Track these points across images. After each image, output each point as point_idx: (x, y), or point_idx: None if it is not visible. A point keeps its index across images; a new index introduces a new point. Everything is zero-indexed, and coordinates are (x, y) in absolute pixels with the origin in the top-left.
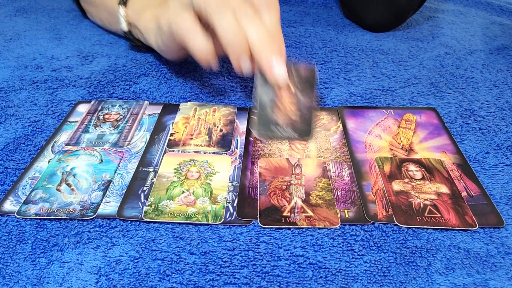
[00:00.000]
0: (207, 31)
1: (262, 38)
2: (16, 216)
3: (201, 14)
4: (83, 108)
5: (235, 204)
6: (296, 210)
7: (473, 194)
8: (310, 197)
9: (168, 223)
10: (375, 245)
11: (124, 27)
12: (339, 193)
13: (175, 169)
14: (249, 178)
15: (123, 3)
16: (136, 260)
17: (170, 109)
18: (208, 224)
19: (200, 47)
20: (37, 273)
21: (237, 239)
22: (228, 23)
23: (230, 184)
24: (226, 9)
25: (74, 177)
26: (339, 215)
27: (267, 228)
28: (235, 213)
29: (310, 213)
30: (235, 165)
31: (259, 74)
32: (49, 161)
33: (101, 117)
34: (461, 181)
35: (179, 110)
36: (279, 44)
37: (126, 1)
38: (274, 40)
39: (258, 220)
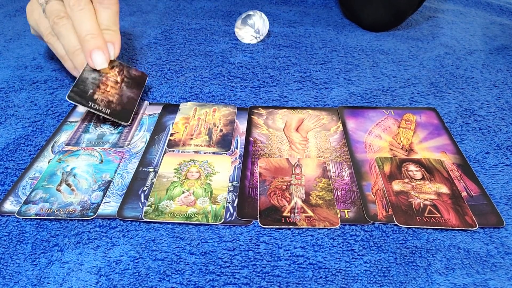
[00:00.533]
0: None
1: (87, 29)
2: (16, 216)
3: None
4: (83, 108)
5: (235, 204)
6: (296, 210)
7: (473, 194)
8: (310, 197)
9: (168, 223)
10: (375, 245)
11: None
12: (339, 193)
13: (175, 169)
14: (249, 178)
15: None
16: (136, 261)
17: (170, 109)
18: (208, 224)
19: (60, 54)
20: (37, 273)
21: (237, 239)
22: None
23: (230, 184)
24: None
25: (74, 177)
26: (339, 215)
27: (267, 228)
28: (235, 213)
29: (310, 213)
30: (235, 165)
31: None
32: (49, 161)
33: (101, 117)
34: (461, 181)
35: (179, 110)
36: (110, 38)
37: None
38: (97, 37)
39: (258, 220)
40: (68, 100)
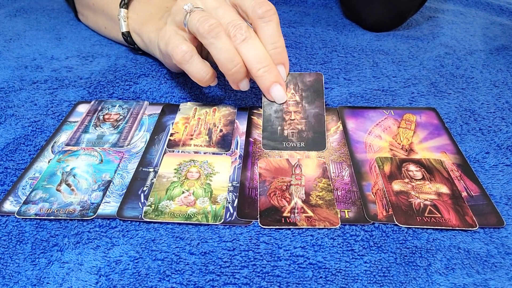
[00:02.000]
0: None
1: (257, 59)
2: (16, 216)
3: (195, 35)
4: (83, 108)
5: (235, 205)
6: (296, 211)
7: (473, 194)
8: (310, 198)
9: (168, 223)
10: (375, 245)
11: (124, 28)
12: (339, 193)
13: (175, 169)
14: (249, 179)
15: (125, 6)
16: (136, 261)
17: (170, 109)
18: (208, 225)
19: (198, 73)
20: (37, 273)
21: (237, 239)
22: (222, 45)
23: (230, 184)
24: (219, 31)
25: (74, 177)
26: (339, 215)
27: (267, 228)
28: (235, 213)
29: (310, 214)
30: (235, 166)
31: None
32: (49, 161)
33: (101, 117)
34: (461, 181)
35: (179, 110)
36: (280, 58)
37: (128, 4)
38: (270, 57)
39: (258, 220)
40: (265, 149)
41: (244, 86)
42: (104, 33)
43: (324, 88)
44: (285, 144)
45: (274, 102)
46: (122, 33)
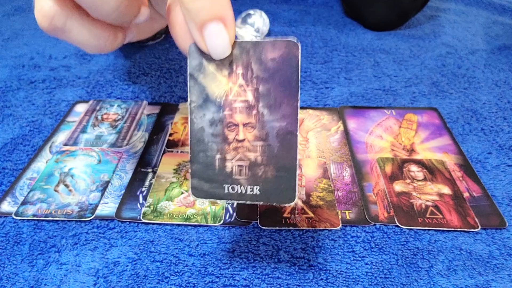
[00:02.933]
0: None
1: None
2: (14, 217)
3: None
4: (81, 108)
5: (234, 205)
6: (296, 211)
7: (475, 195)
8: (311, 198)
9: (167, 224)
10: (376, 246)
11: None
12: (340, 194)
13: (174, 169)
14: None
15: None
16: (135, 262)
17: (169, 109)
18: (208, 225)
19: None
20: (35, 274)
21: (237, 240)
22: None
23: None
24: None
25: (72, 177)
26: (340, 216)
27: (267, 229)
28: (234, 214)
29: (311, 214)
30: None
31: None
32: (47, 162)
33: (99, 117)
34: (463, 181)
35: (178, 110)
36: (217, 9)
37: None
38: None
39: (258, 221)
40: (195, 196)
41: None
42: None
43: (300, 74)
44: (228, 188)
45: (207, 99)
46: None
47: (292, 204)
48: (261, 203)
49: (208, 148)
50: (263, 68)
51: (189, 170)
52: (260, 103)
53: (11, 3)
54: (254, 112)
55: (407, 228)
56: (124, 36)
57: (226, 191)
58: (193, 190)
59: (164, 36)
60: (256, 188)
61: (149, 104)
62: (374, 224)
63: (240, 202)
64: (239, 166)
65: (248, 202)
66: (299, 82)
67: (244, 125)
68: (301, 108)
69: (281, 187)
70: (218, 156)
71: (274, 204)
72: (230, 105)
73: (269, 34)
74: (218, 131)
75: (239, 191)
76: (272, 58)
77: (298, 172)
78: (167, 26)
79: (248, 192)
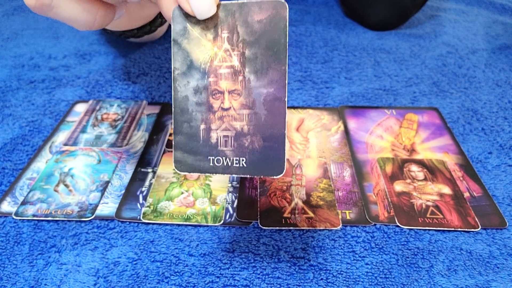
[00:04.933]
0: None
1: None
2: (14, 217)
3: None
4: (81, 108)
5: (234, 205)
6: (296, 211)
7: (475, 195)
8: (311, 198)
9: (167, 224)
10: (377, 246)
11: None
12: (340, 194)
13: (174, 169)
14: (249, 179)
15: None
16: (135, 262)
17: (169, 109)
18: (208, 225)
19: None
20: (35, 274)
21: (237, 240)
22: None
23: (229, 185)
24: None
25: (72, 177)
26: (340, 216)
27: (267, 229)
28: (234, 214)
29: (311, 214)
30: None
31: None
32: (46, 162)
33: (99, 117)
34: (464, 181)
35: None
36: None
37: None
38: None
39: (258, 221)
40: (178, 171)
41: None
42: None
43: (288, 37)
44: (213, 161)
45: (195, 68)
46: None
47: (280, 176)
48: (247, 176)
49: (192, 118)
50: (250, 31)
51: (173, 143)
52: (246, 68)
53: (10, 3)
54: (240, 78)
55: (408, 228)
56: (114, 12)
57: (211, 164)
58: (176, 163)
59: (160, 23)
60: (243, 160)
61: (149, 104)
62: (375, 224)
63: (225, 174)
64: (224, 136)
65: (234, 175)
66: (287, 45)
67: (230, 92)
68: (301, 108)
69: (269, 159)
70: (202, 126)
71: (261, 177)
72: (215, 71)
73: None
74: (202, 99)
75: (225, 164)
76: (258, 20)
77: (287, 142)
78: (161, 16)
79: (234, 164)
